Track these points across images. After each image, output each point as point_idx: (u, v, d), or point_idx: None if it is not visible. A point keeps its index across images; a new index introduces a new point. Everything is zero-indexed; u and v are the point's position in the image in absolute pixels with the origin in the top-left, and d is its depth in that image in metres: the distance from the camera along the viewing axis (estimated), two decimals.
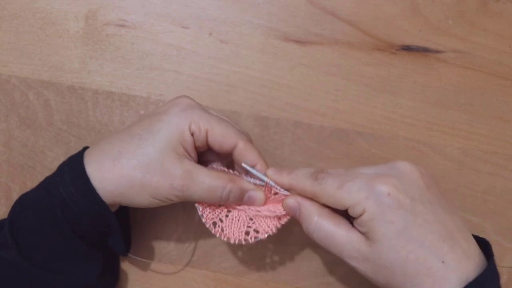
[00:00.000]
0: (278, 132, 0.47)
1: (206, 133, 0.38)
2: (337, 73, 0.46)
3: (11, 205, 0.47)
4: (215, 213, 0.40)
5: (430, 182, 0.36)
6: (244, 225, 0.40)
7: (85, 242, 0.39)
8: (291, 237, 0.47)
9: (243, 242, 0.39)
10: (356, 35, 0.46)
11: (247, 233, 0.39)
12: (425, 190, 0.35)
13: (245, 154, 0.39)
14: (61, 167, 0.39)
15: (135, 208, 0.40)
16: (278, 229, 0.39)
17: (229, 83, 0.47)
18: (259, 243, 0.47)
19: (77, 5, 0.47)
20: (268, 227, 0.39)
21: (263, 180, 0.39)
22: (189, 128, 0.37)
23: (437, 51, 0.46)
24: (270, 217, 0.39)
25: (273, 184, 0.39)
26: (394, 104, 0.46)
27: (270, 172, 0.39)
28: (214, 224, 0.40)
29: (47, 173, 0.47)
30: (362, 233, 0.35)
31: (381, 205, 0.34)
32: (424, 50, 0.46)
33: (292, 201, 0.38)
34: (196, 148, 0.39)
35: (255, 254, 0.47)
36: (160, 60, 0.47)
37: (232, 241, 0.39)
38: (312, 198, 0.37)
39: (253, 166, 0.39)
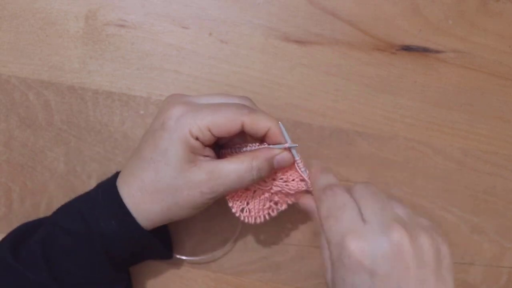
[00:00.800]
0: None
1: (210, 131, 0.37)
2: (337, 73, 0.46)
3: (11, 205, 0.48)
4: (242, 198, 0.40)
5: (421, 257, 0.33)
6: (267, 201, 0.40)
7: (118, 267, 0.40)
8: (291, 237, 0.47)
9: (267, 218, 0.41)
10: (356, 35, 0.46)
11: (269, 208, 0.41)
12: (400, 264, 0.32)
13: (254, 127, 0.37)
14: (96, 198, 0.40)
15: None
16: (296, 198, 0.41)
17: (229, 83, 0.47)
18: (259, 243, 0.47)
19: (77, 5, 0.47)
20: (287, 197, 0.40)
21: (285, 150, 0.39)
22: (191, 136, 0.37)
23: (437, 51, 0.46)
24: (291, 192, 0.40)
25: (294, 149, 0.39)
26: (394, 104, 0.46)
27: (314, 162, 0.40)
28: (242, 210, 0.40)
29: (47, 173, 0.47)
30: None
31: (341, 261, 0.33)
32: (424, 50, 0.46)
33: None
34: (208, 145, 0.38)
35: (255, 254, 0.47)
36: (160, 60, 0.47)
37: (258, 221, 0.40)
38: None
39: (265, 132, 0.38)
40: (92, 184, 0.47)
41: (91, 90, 0.47)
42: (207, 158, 0.38)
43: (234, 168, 0.37)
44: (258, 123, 0.37)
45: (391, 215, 0.34)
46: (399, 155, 0.46)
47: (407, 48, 0.46)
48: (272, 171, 0.39)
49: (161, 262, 0.47)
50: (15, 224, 0.43)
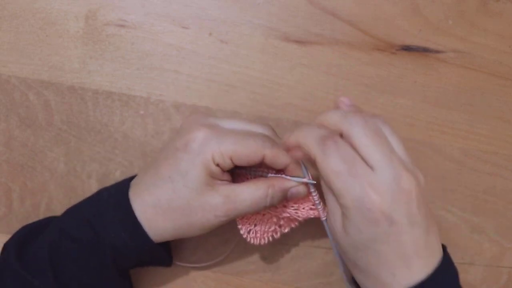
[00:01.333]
0: (278, 132, 0.46)
1: (231, 159, 0.37)
2: (337, 73, 0.46)
3: (11, 205, 0.48)
4: (251, 220, 0.41)
5: (421, 194, 0.35)
6: (274, 224, 0.41)
7: (123, 274, 0.41)
8: (291, 237, 0.47)
9: (271, 240, 0.41)
10: (356, 35, 0.46)
11: (274, 230, 0.42)
12: (411, 213, 0.34)
13: (274, 162, 0.38)
14: (107, 208, 0.39)
15: None
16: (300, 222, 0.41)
17: (229, 83, 0.47)
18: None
19: (77, 5, 0.47)
20: (292, 222, 0.41)
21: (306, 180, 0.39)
22: (213, 162, 0.37)
23: (437, 51, 0.46)
24: (299, 219, 0.41)
25: (311, 184, 0.39)
26: (394, 104, 0.46)
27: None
28: (249, 231, 0.41)
29: (47, 173, 0.47)
30: None
31: (361, 215, 0.34)
32: (424, 50, 0.46)
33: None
34: (227, 170, 0.39)
35: (255, 254, 0.47)
36: (160, 60, 0.47)
37: (262, 242, 0.41)
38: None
39: (285, 168, 0.39)
40: (92, 184, 0.47)
41: (91, 90, 0.47)
42: (224, 182, 0.38)
43: (250, 194, 0.38)
44: (279, 158, 0.38)
45: (396, 158, 0.35)
46: None
47: (407, 48, 0.46)
48: (284, 200, 0.40)
49: None
50: (15, 224, 0.43)
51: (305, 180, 0.39)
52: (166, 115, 0.47)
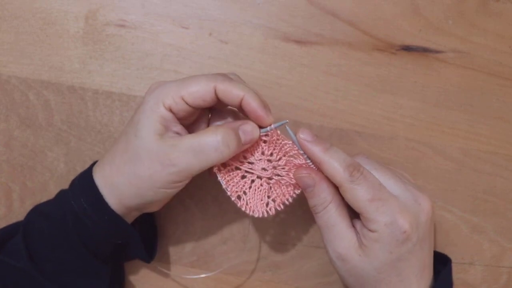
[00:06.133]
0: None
1: (183, 99, 0.36)
2: (337, 73, 0.46)
3: (11, 205, 0.48)
4: (239, 185, 0.40)
5: (432, 218, 0.39)
6: (265, 195, 0.40)
7: (96, 256, 0.39)
8: (291, 237, 0.47)
9: (266, 215, 0.40)
10: (356, 35, 0.46)
11: (267, 204, 0.40)
12: (428, 230, 0.38)
13: (227, 95, 0.37)
14: (73, 181, 0.40)
15: None
16: (293, 199, 0.40)
17: None
18: (259, 243, 0.47)
19: (77, 5, 0.47)
20: (284, 196, 0.40)
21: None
22: (164, 106, 0.36)
23: (437, 51, 0.46)
24: (288, 185, 0.40)
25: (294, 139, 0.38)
26: (394, 104, 0.46)
27: (302, 135, 0.37)
28: (239, 197, 0.40)
29: (47, 173, 0.47)
30: (359, 238, 0.37)
31: (393, 237, 0.36)
32: (424, 50, 0.46)
33: (306, 177, 0.38)
34: (186, 117, 0.38)
35: (255, 254, 0.47)
36: (160, 60, 0.47)
37: (256, 215, 0.40)
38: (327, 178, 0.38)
39: (240, 101, 0.37)
40: None
41: (91, 90, 0.47)
42: (177, 135, 0.37)
43: (198, 139, 0.36)
44: (231, 90, 0.36)
45: (409, 184, 0.38)
46: (399, 155, 0.46)
47: (407, 48, 0.46)
48: (241, 146, 0.38)
49: (162, 261, 0.47)
50: None
51: (273, 126, 0.38)
52: None
